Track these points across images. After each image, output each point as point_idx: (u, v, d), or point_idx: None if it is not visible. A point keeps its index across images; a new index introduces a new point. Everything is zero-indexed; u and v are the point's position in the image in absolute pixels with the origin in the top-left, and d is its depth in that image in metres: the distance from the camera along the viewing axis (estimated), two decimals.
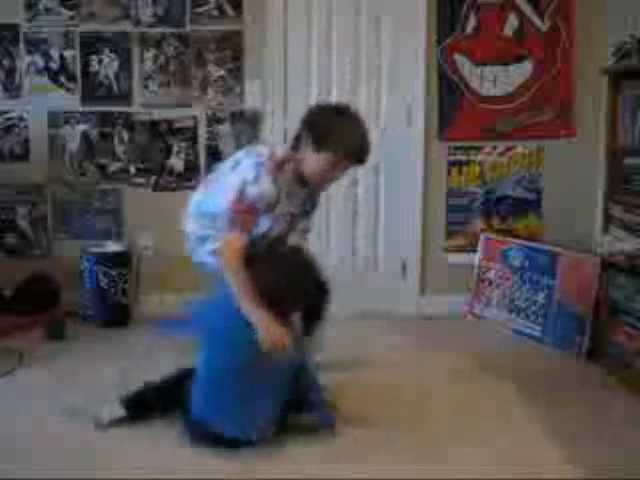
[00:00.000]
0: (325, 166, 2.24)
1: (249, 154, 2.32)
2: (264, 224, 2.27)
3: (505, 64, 3.64)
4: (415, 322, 3.67)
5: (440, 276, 3.77)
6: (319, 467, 2.10)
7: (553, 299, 3.32)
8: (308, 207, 2.54)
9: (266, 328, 2.09)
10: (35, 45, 3.59)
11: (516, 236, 3.67)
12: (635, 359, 2.79)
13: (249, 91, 3.64)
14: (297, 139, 2.30)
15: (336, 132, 2.20)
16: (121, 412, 2.30)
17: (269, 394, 2.14)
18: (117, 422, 2.30)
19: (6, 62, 3.60)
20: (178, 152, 3.69)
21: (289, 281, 2.15)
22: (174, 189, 3.71)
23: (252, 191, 2.17)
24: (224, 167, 2.45)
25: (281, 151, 2.32)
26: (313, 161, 2.24)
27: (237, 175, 2.24)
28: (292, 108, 3.66)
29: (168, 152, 3.69)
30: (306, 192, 2.42)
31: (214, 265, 2.30)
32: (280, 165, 2.25)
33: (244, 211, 2.17)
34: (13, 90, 3.62)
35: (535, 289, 3.42)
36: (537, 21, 3.61)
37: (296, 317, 2.29)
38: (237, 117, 3.66)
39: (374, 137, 3.65)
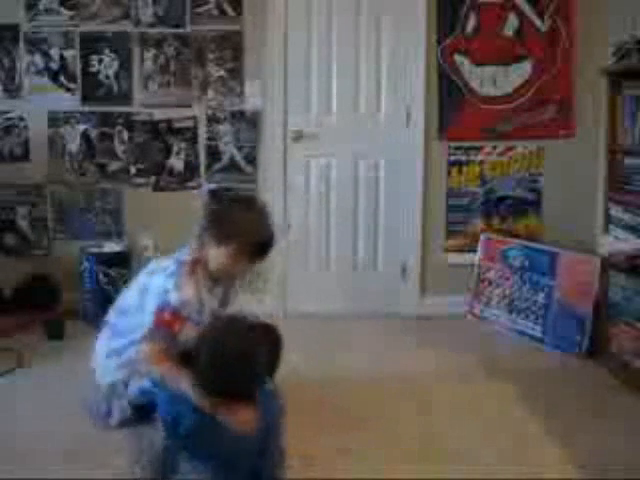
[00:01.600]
0: (227, 259, 2.09)
1: (156, 272, 2.14)
2: (191, 329, 2.04)
3: (505, 64, 3.64)
4: (415, 322, 3.67)
5: (440, 276, 3.77)
6: (318, 467, 2.11)
7: (553, 299, 3.32)
8: (227, 300, 2.34)
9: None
10: (35, 45, 3.59)
11: (516, 236, 3.66)
12: (635, 359, 2.79)
13: (249, 91, 3.64)
14: (200, 236, 2.16)
15: (235, 224, 2.09)
16: (129, 412, 2.27)
17: None
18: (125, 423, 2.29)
19: (6, 62, 3.60)
20: (178, 152, 3.69)
21: (239, 372, 1.83)
22: (174, 189, 3.71)
23: (174, 301, 2.01)
24: (132, 293, 2.22)
25: (188, 255, 2.16)
26: (216, 255, 2.10)
27: (155, 290, 2.07)
28: (292, 108, 3.67)
29: (168, 152, 3.69)
30: (222, 288, 2.26)
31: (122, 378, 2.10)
32: (193, 268, 2.10)
33: (168, 322, 2.00)
34: (13, 90, 3.62)
35: (535, 289, 3.42)
36: (537, 21, 3.61)
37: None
38: (237, 117, 3.66)
39: (374, 137, 3.73)
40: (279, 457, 1.93)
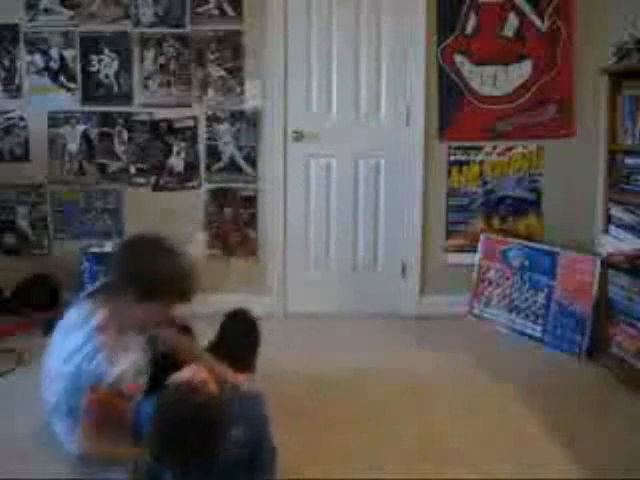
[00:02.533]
0: (150, 315, 1.96)
1: (71, 335, 1.93)
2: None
3: (505, 64, 3.64)
4: (415, 322, 3.67)
5: (440, 276, 3.77)
6: (318, 467, 2.11)
7: (553, 299, 3.32)
8: (156, 342, 2.12)
9: None
10: (35, 45, 3.59)
11: (516, 236, 3.66)
12: (635, 359, 2.79)
13: (249, 91, 3.64)
14: (112, 291, 1.95)
15: (154, 279, 1.88)
16: None
17: None
18: None
19: (6, 62, 3.60)
20: (178, 152, 3.69)
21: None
22: (174, 189, 3.71)
23: (108, 377, 1.82)
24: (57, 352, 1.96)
25: (103, 317, 1.93)
26: (136, 313, 1.93)
27: (79, 367, 1.84)
28: (292, 108, 3.67)
29: (168, 152, 3.69)
30: (146, 334, 2.06)
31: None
32: (111, 330, 1.90)
33: (105, 401, 1.82)
34: (13, 90, 3.62)
35: (535, 289, 3.42)
36: (537, 21, 3.61)
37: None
38: (237, 117, 3.66)
39: (374, 137, 3.73)
40: (271, 459, 1.94)
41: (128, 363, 1.86)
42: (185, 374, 1.87)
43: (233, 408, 1.83)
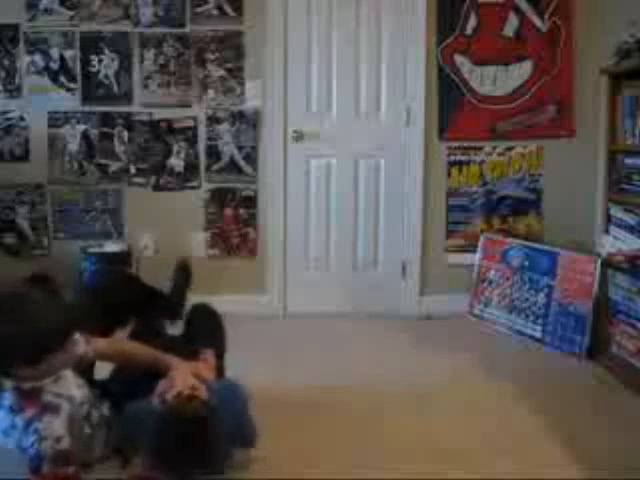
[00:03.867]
0: (48, 373, 1.76)
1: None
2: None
3: (505, 64, 3.64)
4: (415, 322, 3.67)
5: (440, 276, 3.77)
6: (317, 466, 2.11)
7: (553, 299, 3.32)
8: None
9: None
10: (35, 45, 3.59)
11: (516, 236, 3.67)
12: (635, 359, 2.79)
13: (249, 91, 3.64)
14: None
15: (32, 340, 1.67)
16: None
17: None
18: None
19: (6, 62, 3.60)
20: (178, 152, 3.69)
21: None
22: (174, 189, 3.71)
23: (49, 453, 1.69)
24: None
25: (9, 396, 1.77)
26: (35, 375, 1.75)
27: (20, 444, 1.73)
28: (292, 108, 3.67)
29: (168, 152, 3.69)
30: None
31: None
32: (30, 398, 1.75)
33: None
34: (13, 90, 3.62)
35: (535, 289, 3.42)
36: (537, 21, 3.61)
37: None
38: (237, 117, 3.66)
39: (374, 137, 3.73)
40: (253, 435, 2.01)
41: (59, 426, 1.71)
42: (175, 385, 1.84)
43: (218, 405, 1.84)
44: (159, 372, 1.93)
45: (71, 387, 1.83)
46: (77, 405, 1.81)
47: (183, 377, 1.88)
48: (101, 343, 1.97)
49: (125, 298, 2.30)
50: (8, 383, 1.75)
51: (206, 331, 2.29)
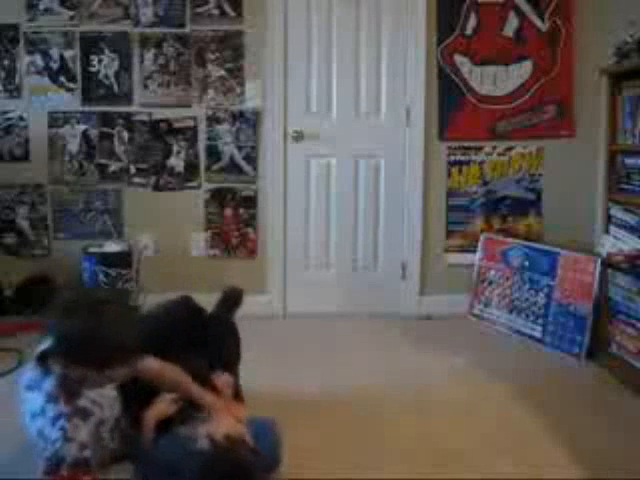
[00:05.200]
0: (108, 381, 1.80)
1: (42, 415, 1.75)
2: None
3: (505, 64, 3.64)
4: (415, 322, 3.67)
5: (440, 276, 3.77)
6: (318, 467, 2.10)
7: (553, 299, 3.32)
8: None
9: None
10: (35, 45, 3.59)
11: (516, 236, 3.67)
12: (635, 359, 2.79)
13: (249, 91, 3.64)
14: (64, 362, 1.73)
15: (106, 347, 1.68)
16: None
17: None
18: None
19: (6, 62, 3.60)
20: (178, 152, 3.69)
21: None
22: (174, 189, 3.71)
23: (69, 456, 1.67)
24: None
25: (51, 385, 1.76)
26: (94, 381, 1.76)
27: (42, 433, 1.72)
28: (292, 108, 3.67)
29: (168, 152, 3.69)
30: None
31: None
32: (70, 395, 1.74)
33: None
34: (13, 90, 3.62)
35: (535, 289, 3.42)
36: (537, 21, 3.61)
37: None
38: (237, 117, 3.66)
39: (374, 137, 3.73)
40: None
41: (85, 433, 1.70)
42: (221, 427, 1.82)
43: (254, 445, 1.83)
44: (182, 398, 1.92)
45: (109, 399, 1.83)
46: (107, 417, 1.80)
47: (227, 419, 1.87)
48: (154, 363, 1.95)
49: (187, 339, 2.17)
50: (58, 369, 1.72)
51: (228, 353, 2.29)
